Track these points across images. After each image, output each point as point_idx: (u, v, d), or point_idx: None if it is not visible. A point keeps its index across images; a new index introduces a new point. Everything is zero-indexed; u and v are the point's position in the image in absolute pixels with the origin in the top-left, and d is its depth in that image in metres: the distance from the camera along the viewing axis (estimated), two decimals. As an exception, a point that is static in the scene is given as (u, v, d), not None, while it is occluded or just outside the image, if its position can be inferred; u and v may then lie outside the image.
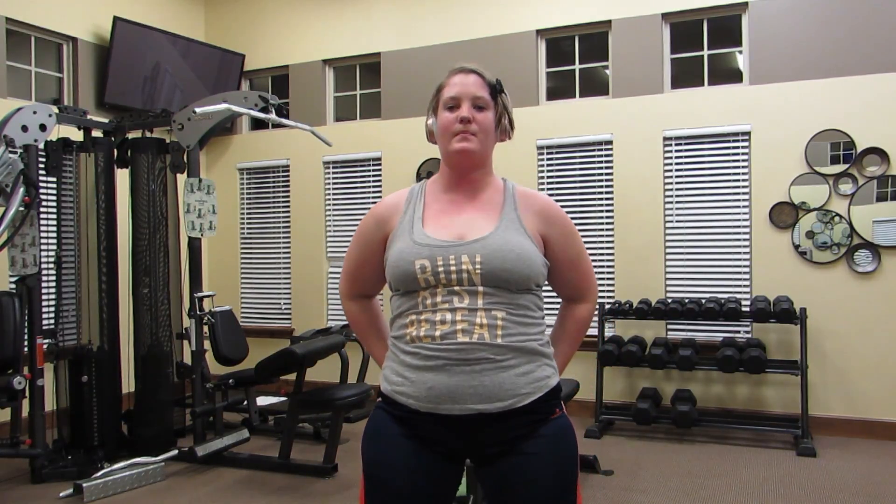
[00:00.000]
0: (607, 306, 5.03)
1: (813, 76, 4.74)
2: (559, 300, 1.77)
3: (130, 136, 4.69)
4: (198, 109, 4.27)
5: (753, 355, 4.42)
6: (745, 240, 4.94)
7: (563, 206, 1.71)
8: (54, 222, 4.37)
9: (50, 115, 4.10)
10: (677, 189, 5.10)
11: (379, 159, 5.99)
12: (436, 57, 5.67)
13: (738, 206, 4.96)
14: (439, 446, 1.57)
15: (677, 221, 5.10)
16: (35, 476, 3.94)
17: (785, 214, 4.81)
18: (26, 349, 3.93)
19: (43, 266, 4.08)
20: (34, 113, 4.02)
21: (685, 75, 5.19)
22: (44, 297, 4.12)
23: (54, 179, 4.36)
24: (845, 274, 4.67)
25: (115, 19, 5.45)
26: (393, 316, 1.64)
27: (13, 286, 4.02)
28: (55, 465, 4.02)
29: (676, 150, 5.11)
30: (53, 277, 4.33)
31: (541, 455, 1.54)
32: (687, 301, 4.82)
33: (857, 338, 4.64)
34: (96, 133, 4.57)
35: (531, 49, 5.48)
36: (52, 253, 4.32)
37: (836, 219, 4.67)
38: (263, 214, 6.48)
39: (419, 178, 5.64)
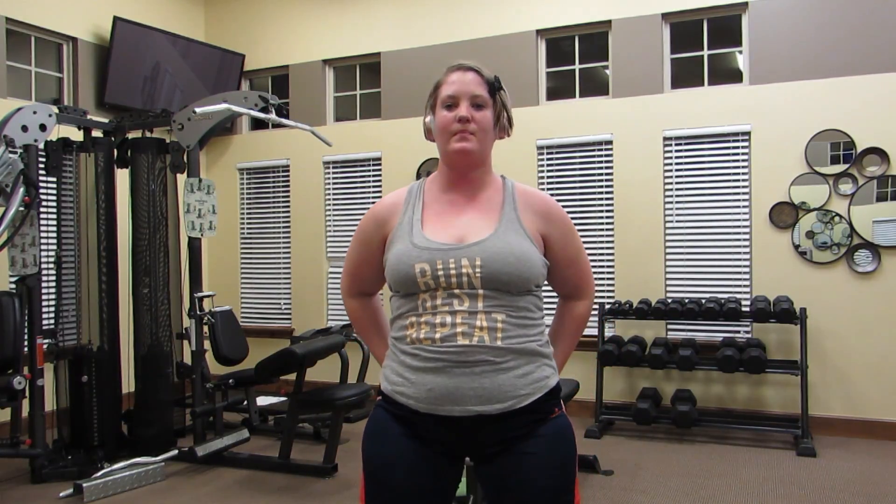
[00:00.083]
0: (607, 306, 5.03)
1: (813, 76, 4.74)
2: (557, 298, 1.77)
3: (130, 136, 4.69)
4: (198, 109, 4.28)
5: (753, 355, 4.42)
6: (745, 240, 4.94)
7: (562, 206, 1.69)
8: (54, 222, 4.37)
9: (50, 115, 4.10)
10: (677, 189, 5.10)
11: (379, 159, 5.99)
12: (436, 57, 5.67)
13: (738, 206, 4.96)
14: (439, 445, 1.58)
15: (677, 221, 5.10)
16: (35, 476, 3.95)
17: (785, 214, 4.81)
18: (26, 349, 3.93)
19: (43, 266, 4.08)
20: (34, 113, 4.03)
21: (685, 75, 5.19)
22: (44, 297, 4.12)
23: (54, 179, 4.36)
24: (845, 274, 4.67)
25: (115, 19, 5.45)
26: (393, 316, 1.64)
27: (13, 286, 4.02)
28: (55, 465, 4.02)
29: (676, 150, 5.11)
30: (53, 277, 4.33)
31: (539, 455, 1.54)
32: (687, 301, 4.82)
33: (857, 338, 4.64)
34: (96, 133, 4.57)
35: (531, 49, 5.48)
36: (52, 253, 4.32)
37: (836, 219, 4.67)
38: (263, 214, 6.48)
39: (419, 178, 5.63)
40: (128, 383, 4.54)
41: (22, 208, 3.87)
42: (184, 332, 4.58)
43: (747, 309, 4.69)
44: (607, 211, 5.28)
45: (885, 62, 4.58)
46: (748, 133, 4.92)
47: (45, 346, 4.05)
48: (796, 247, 4.77)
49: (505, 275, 1.52)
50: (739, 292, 4.93)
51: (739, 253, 4.96)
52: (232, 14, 6.56)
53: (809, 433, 4.43)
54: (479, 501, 3.11)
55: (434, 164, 5.59)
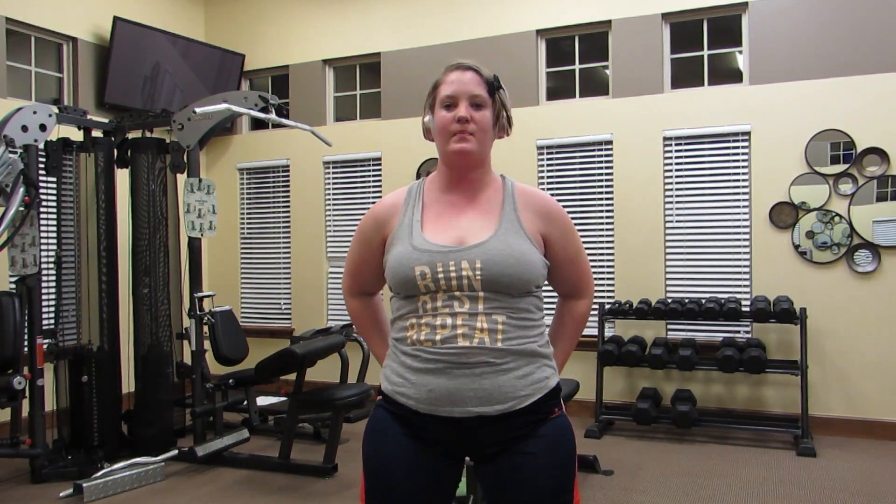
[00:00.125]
0: (607, 306, 5.03)
1: (813, 76, 4.74)
2: (556, 297, 1.77)
3: (130, 136, 4.69)
4: (198, 109, 4.28)
5: (753, 355, 4.42)
6: (745, 240, 4.94)
7: (562, 206, 1.69)
8: (54, 222, 4.37)
9: (50, 115, 4.10)
10: (677, 189, 5.10)
11: (379, 159, 5.99)
12: (436, 57, 5.66)
13: (738, 206, 4.96)
14: (439, 445, 1.58)
15: (677, 221, 5.10)
16: (35, 476, 3.94)
17: (785, 214, 4.81)
18: (26, 349, 3.93)
19: (43, 266, 4.08)
20: (34, 113, 4.03)
21: (685, 75, 5.19)
22: (44, 297, 4.12)
23: (54, 179, 4.36)
24: (845, 274, 4.67)
25: (115, 19, 5.45)
26: (393, 317, 1.64)
27: (13, 286, 4.02)
28: (55, 465, 4.02)
29: (676, 150, 5.11)
30: (53, 277, 4.33)
31: (539, 454, 1.54)
32: (687, 301, 4.81)
33: (857, 338, 4.64)
34: (96, 133, 4.57)
35: (531, 49, 5.48)
36: (52, 253, 4.32)
37: (836, 219, 4.67)
38: (263, 214, 6.48)
39: (419, 177, 5.63)
40: (128, 383, 4.54)
41: (22, 208, 3.87)
42: (184, 332, 4.58)
43: (747, 309, 4.69)
44: (607, 211, 5.28)
45: (885, 62, 4.58)
46: (748, 133, 4.92)
47: (45, 346, 4.05)
48: (796, 247, 4.77)
49: (505, 277, 1.52)
50: (739, 292, 4.93)
51: (739, 253, 4.96)
52: (232, 14, 6.56)
53: (809, 433, 4.43)
54: (479, 501, 3.11)
55: (434, 164, 5.57)
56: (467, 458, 1.62)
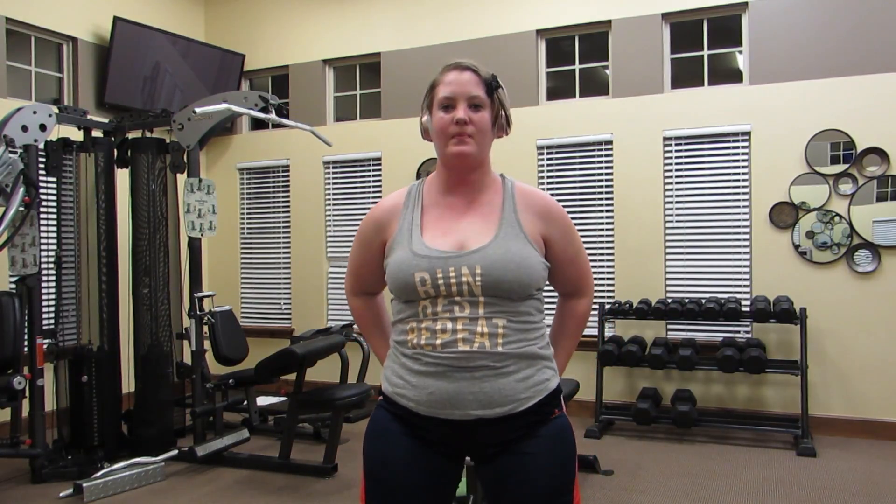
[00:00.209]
0: (607, 306, 5.03)
1: (813, 76, 4.74)
2: (556, 297, 1.77)
3: (130, 136, 4.69)
4: (198, 109, 4.28)
5: (753, 355, 4.42)
6: (745, 240, 4.94)
7: (562, 206, 1.68)
8: (54, 222, 4.37)
9: (50, 115, 4.10)
10: (677, 189, 5.10)
11: (379, 159, 5.99)
12: (436, 57, 5.66)
13: (738, 206, 4.96)
14: (440, 445, 1.58)
15: (677, 221, 5.10)
16: (35, 476, 3.95)
17: (785, 214, 4.81)
18: (26, 349, 3.93)
19: (43, 266, 4.08)
20: (34, 113, 4.03)
21: (685, 75, 5.19)
22: (44, 297, 4.12)
23: (54, 179, 4.36)
24: (845, 274, 4.67)
25: (115, 19, 5.45)
26: (394, 320, 1.64)
27: (13, 286, 4.02)
28: (55, 465, 4.02)
29: (676, 150, 5.11)
30: (53, 277, 4.33)
31: (539, 454, 1.54)
32: (687, 301, 4.81)
33: (857, 338, 4.64)
34: (96, 133, 4.57)
35: (531, 49, 5.48)
36: (52, 253, 4.32)
37: (836, 219, 4.67)
38: (263, 214, 6.48)
39: (419, 177, 5.63)
40: (128, 383, 4.55)
41: (22, 208, 3.87)
42: (184, 332, 4.58)
43: (747, 309, 4.69)
44: (607, 211, 5.28)
45: (885, 62, 4.58)
46: (748, 133, 4.92)
47: (45, 346, 4.05)
48: (796, 247, 4.77)
49: (506, 283, 1.51)
50: (739, 292, 4.93)
51: (739, 253, 4.96)
52: (232, 14, 6.56)
53: (809, 433, 4.43)
54: (479, 501, 3.11)
55: (434, 164, 5.56)
56: (467, 458, 1.62)
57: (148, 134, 4.66)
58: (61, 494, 3.69)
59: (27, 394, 3.84)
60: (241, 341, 4.73)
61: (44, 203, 4.25)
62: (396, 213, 1.65)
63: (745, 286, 4.94)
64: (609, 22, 5.28)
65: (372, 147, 5.99)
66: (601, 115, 5.28)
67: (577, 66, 5.49)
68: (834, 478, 3.88)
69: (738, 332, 4.93)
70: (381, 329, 1.81)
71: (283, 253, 6.37)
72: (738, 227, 4.96)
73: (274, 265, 6.42)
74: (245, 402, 4.64)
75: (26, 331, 3.93)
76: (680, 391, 4.81)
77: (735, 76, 5.14)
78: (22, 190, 3.86)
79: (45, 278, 4.20)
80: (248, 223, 6.54)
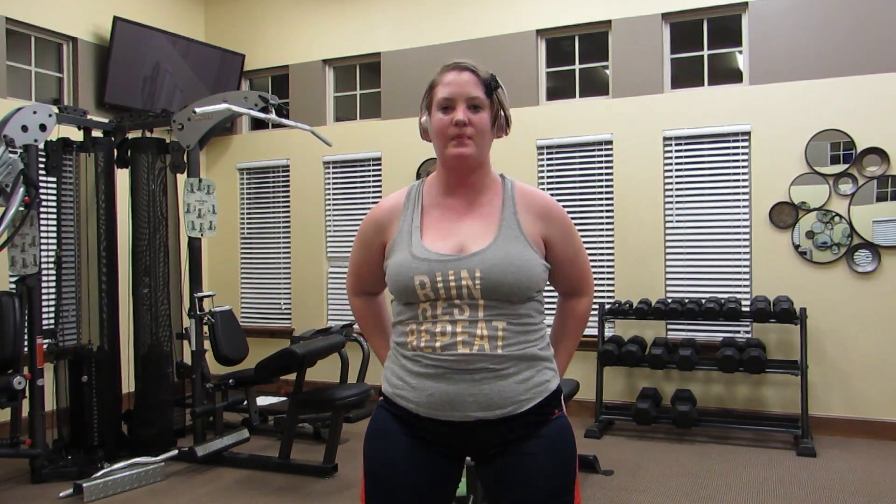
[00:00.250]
0: (607, 306, 5.03)
1: (813, 76, 4.74)
2: (556, 296, 1.77)
3: (130, 136, 4.69)
4: (198, 109, 4.28)
5: (753, 355, 4.42)
6: (745, 240, 4.94)
7: (562, 206, 1.68)
8: (54, 222, 4.37)
9: (50, 115, 4.10)
10: (677, 189, 5.10)
11: (379, 159, 5.99)
12: (436, 57, 5.66)
13: (738, 206, 4.96)
14: (440, 445, 1.58)
15: (677, 221, 5.10)
16: (35, 476, 3.94)
17: (785, 214, 4.81)
18: (26, 349, 3.93)
19: (43, 266, 4.08)
20: (34, 113, 4.03)
21: (685, 75, 5.19)
22: (44, 297, 4.12)
23: (54, 179, 4.36)
24: (845, 274, 4.67)
25: (115, 19, 5.45)
26: (394, 321, 1.64)
27: (13, 286, 4.02)
28: (55, 465, 4.02)
29: (676, 150, 5.11)
30: (53, 277, 4.33)
31: (539, 455, 1.54)
32: (687, 301, 4.81)
33: (857, 338, 4.64)
34: (96, 133, 4.57)
35: (531, 49, 5.48)
36: (52, 253, 4.32)
37: (836, 219, 4.67)
38: (263, 214, 6.48)
39: (419, 177, 5.64)
40: (128, 383, 4.54)
41: (22, 208, 3.87)
42: (184, 332, 4.58)
43: (747, 309, 4.69)
44: (607, 211, 5.28)
45: (885, 62, 4.58)
46: (748, 133, 4.92)
47: (45, 346, 4.05)
48: (796, 247, 4.77)
49: (505, 286, 1.51)
50: (739, 292, 4.93)
51: (739, 253, 4.96)
52: (232, 14, 6.56)
53: (809, 433, 4.43)
54: (479, 501, 3.11)
55: (434, 163, 5.57)
56: (468, 458, 1.62)
57: (148, 134, 4.66)
58: (61, 494, 3.69)
59: (27, 394, 3.84)
60: (241, 341, 4.73)
61: (44, 203, 4.25)
62: (396, 213, 1.64)
63: (745, 286, 4.94)
64: (609, 22, 5.28)
65: (372, 147, 5.99)
66: (601, 115, 5.28)
67: (577, 66, 5.49)
68: (834, 478, 3.88)
69: (738, 332, 4.93)
70: (382, 329, 1.81)
71: (283, 253, 6.37)
72: (738, 227, 4.96)
73: (274, 265, 6.42)
74: (245, 402, 4.64)
75: (26, 331, 3.93)
76: (680, 391, 4.81)
77: (735, 76, 5.14)
78: (22, 190, 3.86)
79: (45, 278, 4.20)
80: (248, 223, 6.54)
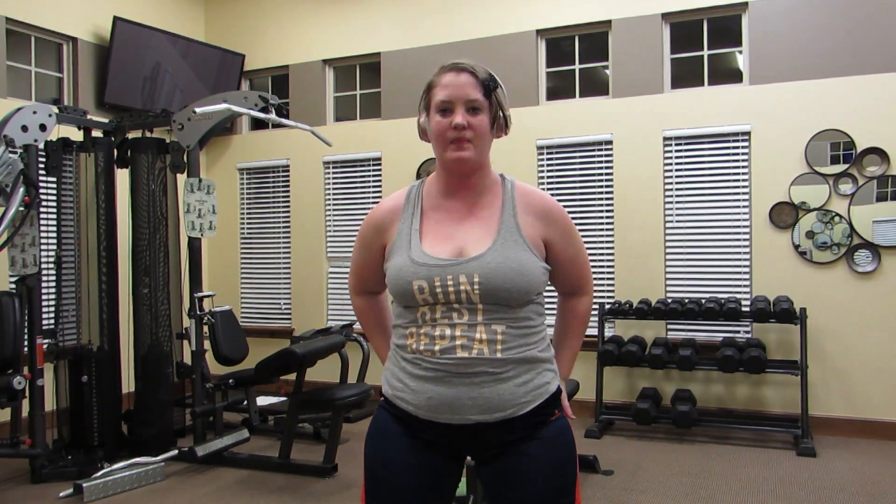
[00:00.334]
0: (607, 306, 5.03)
1: (813, 76, 4.74)
2: (557, 297, 1.77)
3: (130, 136, 4.69)
4: (198, 109, 4.28)
5: (753, 355, 4.42)
6: (745, 240, 4.94)
7: (563, 207, 1.67)
8: (54, 222, 4.37)
9: (50, 115, 4.10)
10: (677, 189, 5.10)
11: (379, 159, 5.99)
12: (436, 57, 5.66)
13: (738, 206, 4.96)
14: (440, 446, 1.58)
15: (677, 221, 5.10)
16: (35, 476, 3.94)
17: (785, 214, 4.81)
18: (26, 349, 3.93)
19: (43, 266, 4.08)
20: (34, 113, 4.03)
21: (685, 75, 5.19)
22: (44, 297, 4.12)
23: (54, 179, 4.36)
24: (845, 274, 4.67)
25: (115, 19, 5.45)
26: (394, 323, 1.64)
27: (13, 286, 4.02)
28: (55, 465, 4.02)
29: (676, 150, 5.11)
30: (53, 277, 4.33)
31: (540, 456, 1.54)
32: (687, 301, 4.81)
33: (857, 338, 4.64)
34: (96, 133, 4.57)
35: (531, 49, 5.48)
36: (52, 253, 4.32)
37: (836, 219, 4.67)
38: (263, 214, 6.48)
39: (419, 177, 5.63)
40: (128, 383, 4.54)
41: (22, 208, 3.87)
42: (184, 332, 4.58)
43: (747, 309, 4.69)
44: (607, 211, 5.28)
45: (885, 62, 4.58)
46: (748, 133, 4.92)
47: (45, 346, 4.05)
48: (796, 247, 4.77)
49: (504, 291, 1.50)
50: (739, 292, 4.93)
51: (739, 253, 4.96)
52: (232, 14, 6.56)
53: (809, 433, 4.43)
54: (479, 501, 3.11)
55: (434, 163, 5.58)
56: (468, 458, 1.62)
57: (148, 134, 4.66)
58: (61, 494, 3.69)
59: (27, 394, 3.84)
60: (241, 341, 4.73)
61: (44, 203, 4.25)
62: (396, 215, 1.64)
63: (745, 286, 4.94)
64: (609, 22, 5.28)
65: (372, 147, 5.99)
66: (601, 115, 5.28)
67: (577, 66, 5.49)
68: (834, 478, 3.88)
69: (738, 332, 4.93)
70: (383, 329, 1.81)
71: (283, 253, 6.37)
72: (738, 227, 4.96)
73: (274, 265, 6.42)
74: (245, 402, 4.64)
75: (26, 331, 3.93)
76: (680, 391, 4.81)
77: (735, 76, 5.14)
78: (22, 190, 3.86)
79: (45, 278, 4.20)
80: (248, 223, 6.54)
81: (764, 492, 3.69)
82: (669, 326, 5.12)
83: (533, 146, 5.43)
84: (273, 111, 4.47)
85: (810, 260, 4.74)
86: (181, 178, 4.50)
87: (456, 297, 1.51)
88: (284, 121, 4.59)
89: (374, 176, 6.03)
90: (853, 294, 4.65)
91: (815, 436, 4.57)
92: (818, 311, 4.67)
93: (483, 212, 1.60)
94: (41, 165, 4.18)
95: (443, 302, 1.52)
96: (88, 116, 4.52)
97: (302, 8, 6.28)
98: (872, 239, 4.60)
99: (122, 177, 4.64)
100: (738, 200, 4.96)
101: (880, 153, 4.59)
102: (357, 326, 5.06)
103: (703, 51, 5.14)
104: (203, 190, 4.42)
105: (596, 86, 5.49)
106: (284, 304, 6.35)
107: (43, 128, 4.05)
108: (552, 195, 2.11)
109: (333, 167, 6.18)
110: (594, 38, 5.43)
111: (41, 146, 4.11)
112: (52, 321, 4.34)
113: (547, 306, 1.63)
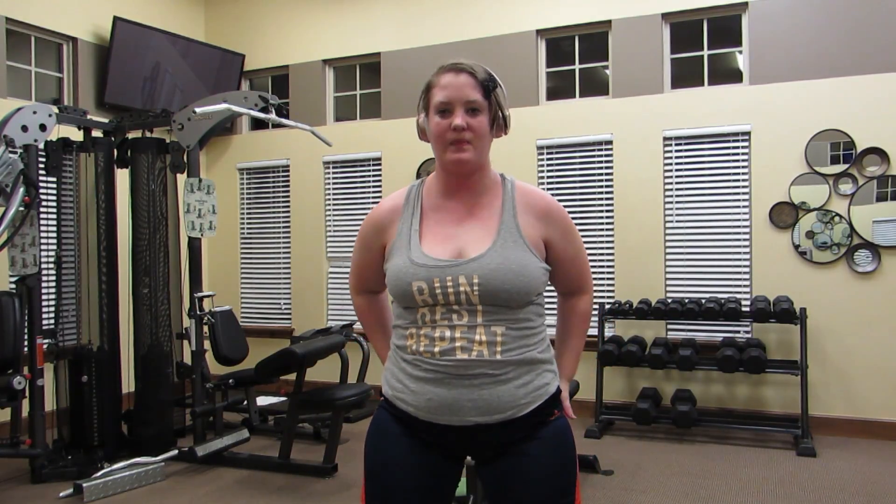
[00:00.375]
0: (607, 306, 5.03)
1: (813, 76, 4.74)
2: (557, 297, 1.77)
3: (130, 136, 4.69)
4: (198, 109, 4.28)
5: (753, 355, 4.42)
6: (745, 240, 4.94)
7: (562, 206, 1.67)
8: (54, 222, 4.37)
9: (50, 115, 4.10)
10: (677, 189, 5.10)
11: (379, 159, 5.99)
12: (436, 57, 5.65)
13: (738, 206, 4.96)
14: (440, 447, 1.58)
15: (677, 221, 5.10)
16: (35, 476, 3.95)
17: (785, 214, 4.81)
18: (26, 349, 3.93)
19: (43, 266, 4.08)
20: (34, 113, 4.03)
21: (685, 75, 5.19)
22: (44, 297, 4.12)
23: (54, 179, 4.36)
24: (845, 274, 4.67)
25: (115, 19, 5.45)
26: (394, 324, 1.64)
27: (13, 286, 4.02)
28: (55, 465, 4.02)
29: (676, 150, 5.11)
30: (53, 277, 4.33)
31: (539, 456, 1.54)
32: (687, 301, 4.81)
33: (857, 338, 4.64)
34: (96, 133, 4.57)
35: (531, 49, 5.48)
36: (52, 253, 4.32)
37: (836, 219, 4.67)
38: (263, 214, 6.48)
39: (419, 177, 5.63)
40: (128, 383, 4.54)
41: (22, 208, 3.87)
42: (184, 332, 4.58)
43: (747, 309, 4.70)
44: (607, 211, 5.28)
45: (885, 62, 4.58)
46: (748, 133, 4.92)
47: (45, 346, 4.05)
48: (796, 247, 4.77)
49: (504, 292, 1.50)
50: (739, 292, 4.93)
51: (739, 253, 4.96)
52: (232, 14, 6.56)
53: (809, 433, 4.43)
54: (479, 501, 3.11)
55: (434, 163, 5.58)
56: (468, 458, 1.62)
57: (148, 134, 4.66)
58: (61, 494, 3.69)
59: (27, 394, 3.84)
60: (241, 341, 4.73)
61: (44, 203, 4.25)
62: (396, 215, 1.64)
63: (745, 286, 4.94)
64: (609, 22, 5.28)
65: (372, 147, 5.99)
66: (601, 115, 5.28)
67: (577, 66, 5.49)
68: (834, 478, 3.88)
69: (738, 332, 4.93)
70: (383, 328, 1.81)
71: (283, 253, 6.37)
72: (738, 227, 4.96)
73: (274, 265, 6.42)
74: (245, 402, 4.64)
75: (26, 331, 3.93)
76: (680, 391, 4.81)
77: (735, 76, 5.14)
78: (22, 190, 3.86)
79: (45, 278, 4.20)
80: (248, 223, 6.54)
81: (764, 492, 3.69)
82: (669, 326, 5.12)
83: (533, 146, 5.43)
84: (273, 111, 4.47)
85: (810, 260, 4.74)
86: (181, 178, 4.50)
87: (455, 299, 1.51)
88: (284, 121, 4.59)
89: (374, 176, 6.03)
90: (853, 294, 4.65)
91: (815, 436, 4.57)
92: (818, 311, 4.67)
93: (483, 212, 1.59)
94: (41, 165, 4.18)
95: (442, 303, 1.52)
96: (88, 116, 4.52)
97: (302, 8, 6.28)
98: (872, 239, 4.60)
99: (122, 177, 4.64)
100: (738, 200, 4.96)
101: (880, 153, 4.59)
102: (357, 326, 5.06)
103: (703, 51, 5.14)
104: (203, 190, 4.42)
105: (596, 86, 5.49)
106: (284, 304, 6.36)
107: (43, 128, 4.05)
108: (552, 195, 2.11)
109: (333, 167, 6.18)
110: (594, 38, 5.43)
111: (41, 146, 4.11)
112: (52, 321, 4.34)
113: (547, 307, 1.63)
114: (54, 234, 4.37)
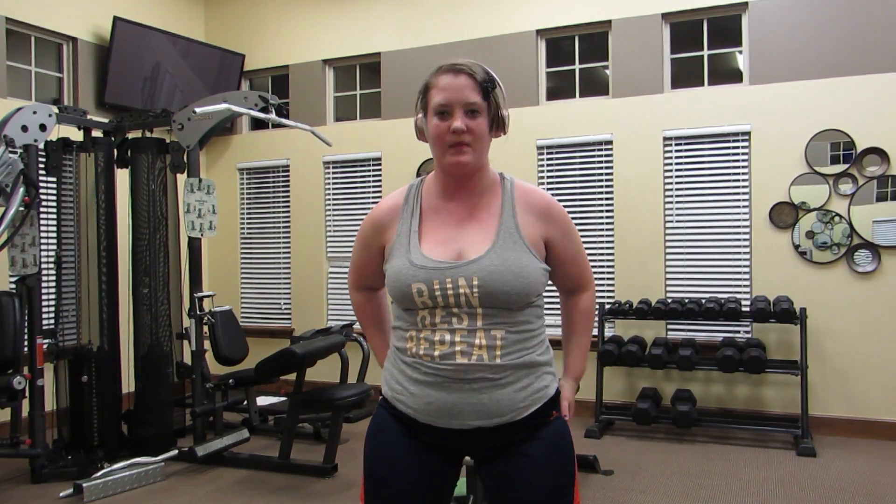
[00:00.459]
0: (607, 306, 5.02)
1: (813, 76, 4.74)
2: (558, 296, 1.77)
3: (130, 136, 4.69)
4: (198, 109, 4.27)
5: (753, 355, 4.42)
6: (745, 240, 4.94)
7: (562, 206, 1.67)
8: (54, 222, 4.37)
9: (50, 115, 4.10)
10: (677, 189, 5.10)
11: (379, 159, 5.99)
12: (436, 57, 5.60)
13: (738, 206, 4.96)
14: (439, 448, 1.58)
15: (677, 221, 5.10)
16: (35, 476, 3.95)
17: (785, 214, 4.81)
18: (26, 349, 3.93)
19: (43, 266, 4.08)
20: (34, 113, 4.03)
21: (685, 75, 5.19)
22: (44, 297, 4.12)
23: (54, 179, 4.36)
24: (845, 274, 4.67)
25: (115, 19, 5.45)
26: (394, 325, 1.64)
27: (13, 286, 4.02)
28: (55, 465, 4.02)
29: (676, 150, 5.11)
30: (53, 277, 4.33)
31: (539, 456, 1.55)
32: (687, 301, 4.81)
33: (857, 338, 4.64)
34: (96, 133, 4.57)
35: (531, 49, 5.48)
36: (52, 253, 4.32)
37: (836, 219, 4.67)
38: (263, 214, 6.48)
39: (419, 177, 5.63)
40: (128, 383, 4.55)
41: (22, 208, 3.87)
42: (184, 332, 4.58)
43: (747, 309, 4.69)
44: (607, 211, 5.28)
45: (885, 62, 4.58)
46: (748, 133, 4.92)
47: (45, 346, 4.05)
48: (796, 247, 4.77)
49: (503, 294, 1.50)
50: (739, 292, 4.93)
51: (739, 253, 4.96)
52: (232, 14, 6.56)
53: (809, 433, 4.43)
54: (479, 501, 3.11)
55: (433, 163, 5.57)
56: (467, 458, 1.63)
57: (148, 134, 4.66)
58: (61, 494, 3.69)
59: (27, 394, 3.84)
60: (241, 341, 4.73)
61: (44, 203, 4.25)
62: (396, 215, 1.63)
63: (745, 286, 4.94)
64: (609, 22, 5.28)
65: (372, 147, 5.99)
66: (601, 115, 5.28)
67: (577, 66, 5.49)
68: (834, 478, 3.88)
69: (738, 332, 4.93)
70: (381, 326, 1.81)
71: (283, 253, 6.37)
72: (738, 227, 4.96)
73: (274, 265, 6.42)
74: (245, 402, 4.64)
75: (26, 331, 3.93)
76: (680, 391, 4.81)
77: (735, 76, 5.14)
78: (22, 190, 3.86)
79: (45, 278, 4.20)
80: (248, 223, 6.54)
81: (764, 492, 3.69)
82: (669, 326, 5.12)
83: (533, 146, 5.43)
84: (273, 111, 4.47)
85: (810, 260, 4.74)
86: (181, 178, 4.50)
87: (455, 301, 1.50)
88: (284, 121, 4.59)
89: (374, 176, 6.03)
90: (853, 294, 4.65)
91: (815, 436, 4.57)
92: (818, 311, 4.67)
93: (482, 213, 1.59)
94: (41, 165, 4.18)
95: (442, 305, 1.52)
96: (88, 116, 4.52)
97: (302, 8, 6.28)
98: (872, 239, 4.60)
99: (122, 177, 4.64)
100: (738, 200, 4.96)
101: (880, 153, 4.59)
102: (357, 326, 5.06)
103: (703, 51, 5.14)
104: (203, 190, 4.42)
105: (596, 86, 5.49)
106: (284, 304, 6.36)
107: (43, 128, 4.05)
108: (552, 195, 2.12)
109: (333, 167, 6.18)
110: (594, 38, 5.43)
111: (41, 146, 4.11)
112: (52, 321, 4.34)
113: (548, 307, 1.63)
114: (54, 234, 4.37)
